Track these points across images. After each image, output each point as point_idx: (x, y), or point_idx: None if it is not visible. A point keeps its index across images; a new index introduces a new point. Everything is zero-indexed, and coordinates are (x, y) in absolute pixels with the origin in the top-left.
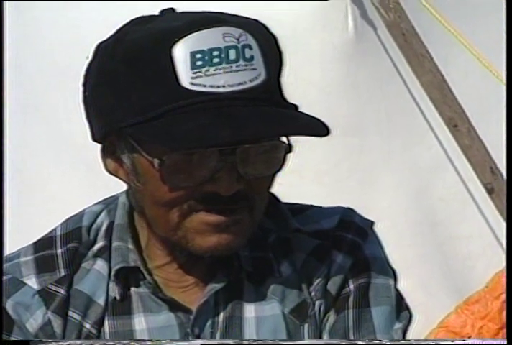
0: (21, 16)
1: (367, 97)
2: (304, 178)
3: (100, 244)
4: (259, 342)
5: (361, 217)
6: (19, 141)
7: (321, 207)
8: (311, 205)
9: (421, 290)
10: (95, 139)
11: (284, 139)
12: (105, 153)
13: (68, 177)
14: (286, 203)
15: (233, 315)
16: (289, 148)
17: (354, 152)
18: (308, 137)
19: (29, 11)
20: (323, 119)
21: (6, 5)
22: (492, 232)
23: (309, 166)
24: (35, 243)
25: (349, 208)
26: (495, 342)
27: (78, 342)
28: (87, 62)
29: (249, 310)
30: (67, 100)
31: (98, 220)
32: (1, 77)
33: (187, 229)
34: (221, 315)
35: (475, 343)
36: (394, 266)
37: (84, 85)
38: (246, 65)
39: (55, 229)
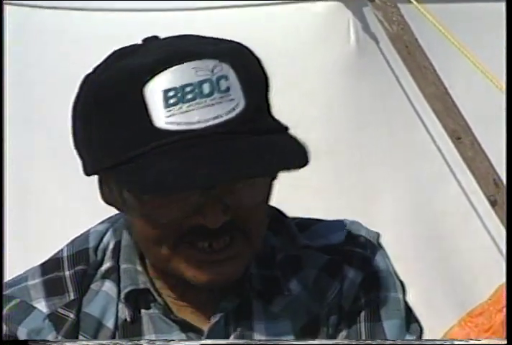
0: (24, 22)
1: (370, 110)
2: (306, 193)
3: (107, 264)
4: (268, 342)
5: (367, 230)
6: (19, 150)
7: (327, 221)
8: (317, 220)
9: (424, 303)
10: (87, 173)
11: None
12: (101, 184)
13: (69, 186)
14: (292, 218)
15: (243, 336)
16: (274, 176)
17: (357, 165)
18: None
19: (31, 19)
20: (325, 133)
21: (7, 10)
22: (495, 245)
23: (311, 180)
24: (42, 265)
25: (355, 221)
26: (495, 342)
27: (78, 342)
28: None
29: (259, 329)
30: (68, 108)
31: (105, 240)
32: (1, 82)
33: (178, 263)
34: (232, 336)
35: (475, 343)
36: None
37: (71, 119)
38: (221, 97)
39: (61, 250)
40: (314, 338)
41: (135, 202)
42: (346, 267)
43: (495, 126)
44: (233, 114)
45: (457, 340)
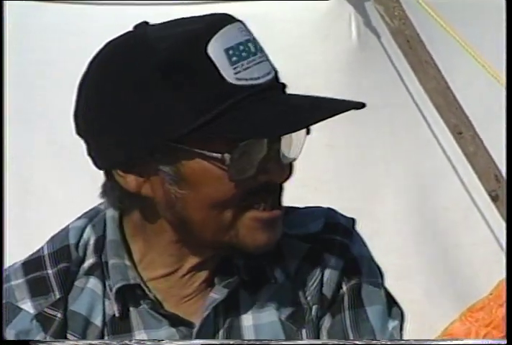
0: (24, 17)
1: (371, 105)
2: (307, 186)
3: (90, 260)
4: (260, 342)
5: (343, 217)
6: (19, 147)
7: (302, 208)
8: (293, 207)
9: (425, 298)
10: (101, 166)
11: None
12: (122, 173)
13: (70, 182)
14: None
15: (232, 326)
16: (308, 130)
17: (358, 159)
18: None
19: (31, 13)
20: (326, 128)
21: (7, 6)
22: (496, 240)
23: (312, 174)
24: (24, 264)
25: (330, 209)
26: (495, 342)
27: (78, 342)
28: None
29: (247, 319)
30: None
31: (85, 235)
32: (1, 82)
33: (239, 227)
34: (221, 327)
35: (475, 343)
36: (395, 272)
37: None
38: (263, 56)
39: (42, 248)
40: (300, 327)
41: (216, 165)
42: (326, 255)
43: (496, 121)
44: (273, 73)
45: (457, 339)
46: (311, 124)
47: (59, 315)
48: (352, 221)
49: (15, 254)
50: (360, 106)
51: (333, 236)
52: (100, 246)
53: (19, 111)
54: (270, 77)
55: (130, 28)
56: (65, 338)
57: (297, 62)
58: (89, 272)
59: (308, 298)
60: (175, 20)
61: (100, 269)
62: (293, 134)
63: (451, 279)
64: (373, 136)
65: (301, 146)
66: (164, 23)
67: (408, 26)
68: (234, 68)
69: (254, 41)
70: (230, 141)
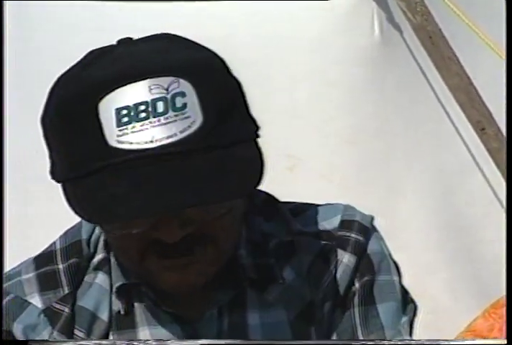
0: (23, 15)
1: (393, 100)
2: (330, 182)
3: (99, 256)
4: (270, 342)
5: (361, 214)
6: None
7: (321, 205)
8: (310, 204)
9: (447, 294)
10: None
11: None
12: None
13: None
14: (285, 203)
15: (237, 324)
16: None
17: (380, 155)
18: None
19: (31, 10)
20: (348, 123)
21: (6, 6)
22: None
23: (335, 170)
24: (36, 258)
25: (348, 206)
26: (495, 342)
27: (78, 342)
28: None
29: (253, 318)
30: None
31: (97, 231)
32: (1, 82)
33: (147, 272)
34: (226, 325)
35: (475, 343)
36: (418, 268)
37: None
38: (176, 116)
39: (54, 243)
40: (309, 325)
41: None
42: (340, 253)
43: None
44: (188, 132)
45: (457, 340)
46: (149, 214)
47: (67, 310)
48: (370, 218)
49: (15, 255)
50: (246, 189)
51: (348, 233)
52: (108, 242)
53: (19, 110)
54: (171, 140)
55: (130, 24)
56: (72, 333)
57: (320, 58)
58: (98, 267)
59: (321, 296)
60: (109, 50)
61: (108, 265)
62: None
63: (474, 275)
64: (395, 133)
65: (229, 203)
66: (92, 55)
67: (430, 22)
68: (120, 130)
69: (172, 98)
70: None
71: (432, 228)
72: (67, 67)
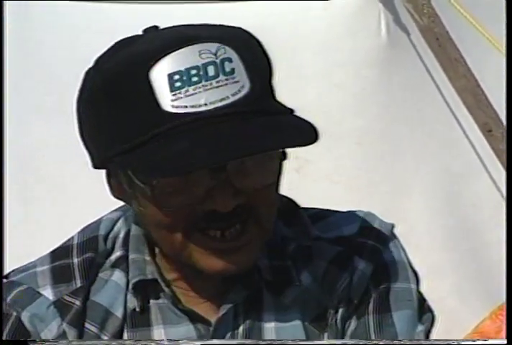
0: (23, 16)
1: (400, 102)
2: (337, 184)
3: (117, 253)
4: (277, 342)
5: (381, 221)
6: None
7: (340, 212)
8: (331, 211)
9: (455, 296)
10: (95, 166)
11: None
12: (109, 178)
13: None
14: (305, 209)
15: (252, 326)
16: (283, 155)
17: (387, 157)
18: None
19: (31, 11)
20: (355, 125)
21: (7, 6)
22: None
23: (342, 172)
24: (52, 252)
25: (369, 213)
26: (495, 342)
27: (78, 342)
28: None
29: (269, 321)
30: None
31: (116, 228)
32: (1, 82)
33: (191, 250)
34: (241, 327)
35: (475, 343)
36: (425, 270)
37: (77, 112)
38: (227, 80)
39: (72, 237)
40: (323, 330)
41: (146, 190)
42: (356, 259)
43: None
44: (239, 95)
45: (457, 340)
46: (208, 166)
47: (77, 302)
48: (391, 226)
49: (15, 255)
50: (310, 141)
51: (365, 240)
52: (127, 240)
53: (18, 110)
54: (224, 102)
55: (131, 25)
56: (83, 326)
57: (326, 59)
58: (115, 265)
59: (335, 301)
60: (140, 36)
61: (125, 263)
62: (252, 162)
63: (480, 277)
64: (402, 134)
65: (272, 173)
66: (129, 38)
67: (437, 24)
68: (174, 95)
69: (221, 63)
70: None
71: (438, 230)
72: (102, 52)
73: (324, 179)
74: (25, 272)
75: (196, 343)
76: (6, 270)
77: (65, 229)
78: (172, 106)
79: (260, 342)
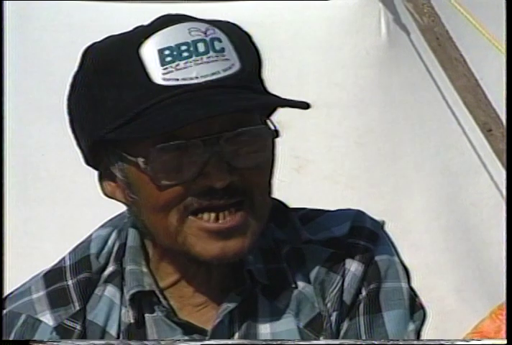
0: (22, 21)
1: (400, 102)
2: (337, 183)
3: (110, 268)
4: (274, 342)
5: (371, 219)
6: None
7: (331, 212)
8: (321, 210)
9: (454, 295)
10: (87, 162)
11: (269, 124)
12: (101, 177)
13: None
14: (295, 210)
15: (248, 333)
16: (275, 133)
17: (387, 156)
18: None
19: (31, 9)
20: (355, 124)
21: (7, 6)
22: None
23: (342, 171)
24: (45, 275)
25: (359, 211)
26: (495, 342)
27: (78, 342)
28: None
29: (265, 327)
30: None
31: (109, 243)
32: (1, 82)
33: (186, 235)
34: (237, 334)
35: (475, 343)
36: (425, 270)
37: (68, 98)
38: (217, 56)
39: (63, 259)
40: (318, 334)
41: (140, 163)
42: (348, 261)
43: None
44: (230, 72)
45: (457, 340)
46: (200, 119)
47: (78, 327)
48: (381, 224)
49: (16, 256)
50: (304, 106)
51: (357, 241)
52: (121, 253)
53: (19, 110)
54: (216, 76)
55: (131, 24)
56: None
57: (326, 58)
58: (108, 280)
59: (328, 305)
60: None
61: (119, 277)
62: (244, 139)
63: (480, 276)
64: (402, 134)
65: (265, 150)
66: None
67: (437, 24)
68: (165, 68)
69: (210, 41)
70: (146, 144)
71: (439, 229)
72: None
73: (324, 178)
74: (21, 299)
75: (191, 343)
76: (7, 270)
77: (66, 229)
78: (164, 79)
79: (257, 342)
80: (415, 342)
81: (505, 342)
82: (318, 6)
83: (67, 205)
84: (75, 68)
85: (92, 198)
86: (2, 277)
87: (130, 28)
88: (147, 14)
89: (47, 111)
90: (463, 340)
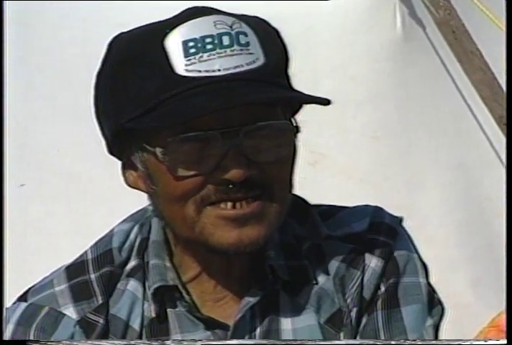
0: (22, 21)
1: (416, 96)
2: (352, 178)
3: (132, 263)
4: (295, 342)
5: (390, 215)
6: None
7: (350, 208)
8: (339, 207)
9: (470, 290)
10: (111, 151)
11: (292, 120)
12: (124, 167)
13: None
14: (315, 206)
15: (270, 329)
16: (296, 129)
17: (402, 150)
18: (353, 135)
19: (30, 20)
20: (371, 118)
21: (7, 6)
22: None
23: (357, 166)
24: (67, 268)
25: (378, 207)
26: (495, 342)
27: (79, 342)
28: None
29: (286, 322)
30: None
31: (131, 236)
32: (1, 77)
33: (204, 224)
34: (258, 330)
35: (475, 343)
36: (440, 264)
37: (95, 87)
38: (241, 50)
39: (85, 253)
40: (339, 330)
41: (158, 153)
42: (368, 256)
43: None
44: (254, 66)
45: (457, 340)
46: (217, 109)
47: (101, 321)
48: (400, 219)
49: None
50: (324, 102)
51: (376, 236)
52: (143, 248)
53: (33, 106)
54: (238, 69)
55: (137, 22)
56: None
57: (342, 53)
58: (130, 274)
59: (348, 301)
60: None
61: (141, 271)
62: (265, 133)
63: (496, 271)
64: (418, 128)
65: (286, 146)
66: None
67: (453, 17)
68: (188, 60)
69: (236, 35)
70: (164, 135)
71: (454, 223)
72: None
73: (340, 173)
74: (43, 292)
75: (213, 343)
76: (6, 269)
77: (82, 225)
78: (186, 71)
79: (278, 342)
80: (428, 342)
81: (505, 342)
82: (332, 0)
83: (83, 202)
84: (101, 57)
85: (107, 194)
86: (2, 277)
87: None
88: (157, 12)
89: (61, 107)
90: (463, 340)
